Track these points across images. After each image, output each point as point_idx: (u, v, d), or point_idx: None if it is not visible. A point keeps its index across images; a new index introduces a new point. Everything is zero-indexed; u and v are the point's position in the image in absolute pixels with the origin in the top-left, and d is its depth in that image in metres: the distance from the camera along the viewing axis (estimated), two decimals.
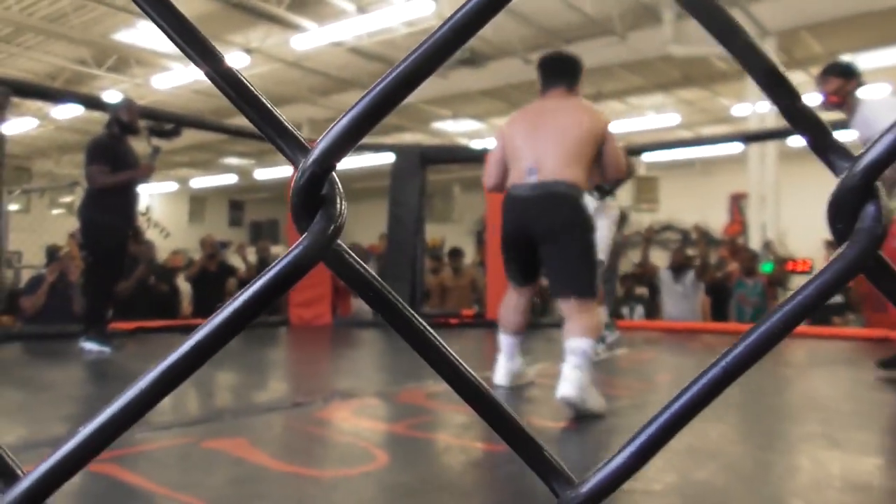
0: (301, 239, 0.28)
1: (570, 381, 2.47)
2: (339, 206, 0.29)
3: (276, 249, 10.91)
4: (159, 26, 0.29)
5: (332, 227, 0.28)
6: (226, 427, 2.37)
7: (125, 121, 4.46)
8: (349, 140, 0.29)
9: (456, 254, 8.62)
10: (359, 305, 7.97)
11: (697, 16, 0.30)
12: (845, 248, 0.28)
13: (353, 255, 0.29)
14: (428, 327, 0.31)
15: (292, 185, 0.29)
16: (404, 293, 6.63)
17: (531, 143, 2.79)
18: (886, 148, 0.27)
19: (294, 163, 0.29)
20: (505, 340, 3.07)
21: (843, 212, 0.28)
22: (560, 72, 2.92)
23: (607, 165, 2.83)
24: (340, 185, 0.30)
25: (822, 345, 5.26)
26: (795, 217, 8.61)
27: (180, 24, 0.29)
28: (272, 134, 0.29)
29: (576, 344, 2.56)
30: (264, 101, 0.30)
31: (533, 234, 2.75)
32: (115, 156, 4.38)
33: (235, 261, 7.82)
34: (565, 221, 2.67)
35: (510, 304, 3.05)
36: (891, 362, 3.55)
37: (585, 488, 0.31)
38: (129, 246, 4.74)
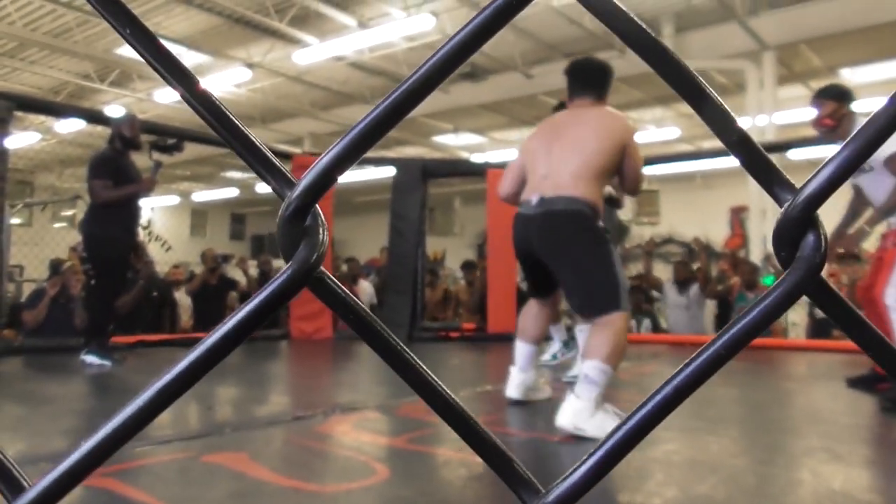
0: (286, 267, 0.30)
1: (567, 409, 2.39)
2: (321, 235, 0.31)
3: (277, 263, 10.93)
4: (148, 62, 0.32)
5: (314, 256, 0.30)
6: (226, 441, 2.35)
7: (127, 136, 4.48)
8: (330, 176, 0.31)
9: (469, 266, 8.61)
10: None
11: (637, 50, 0.32)
12: (787, 274, 0.30)
13: (334, 280, 0.31)
14: (405, 348, 0.33)
15: (279, 218, 0.31)
16: (406, 306, 6.63)
17: (546, 156, 2.71)
18: (825, 181, 0.30)
19: (280, 195, 0.31)
20: (520, 349, 2.96)
21: (786, 241, 0.30)
22: (585, 80, 2.82)
23: (626, 178, 2.72)
24: (323, 216, 0.32)
25: (823, 358, 5.23)
26: None
27: (166, 60, 0.32)
28: (259, 168, 0.31)
29: (585, 368, 2.44)
30: (252, 137, 0.32)
31: (538, 253, 2.69)
32: (118, 170, 4.40)
33: (236, 274, 7.82)
34: (567, 239, 2.59)
35: (530, 312, 2.97)
36: (859, 382, 3.55)
37: (551, 497, 0.32)
38: (130, 260, 4.76)
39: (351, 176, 13.49)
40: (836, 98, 3.49)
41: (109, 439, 0.32)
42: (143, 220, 4.80)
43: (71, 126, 11.46)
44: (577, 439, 2.37)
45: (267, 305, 0.31)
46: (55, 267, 6.43)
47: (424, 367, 0.33)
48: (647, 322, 7.34)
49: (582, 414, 2.36)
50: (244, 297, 7.44)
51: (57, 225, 11.31)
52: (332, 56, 10.19)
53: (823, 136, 3.66)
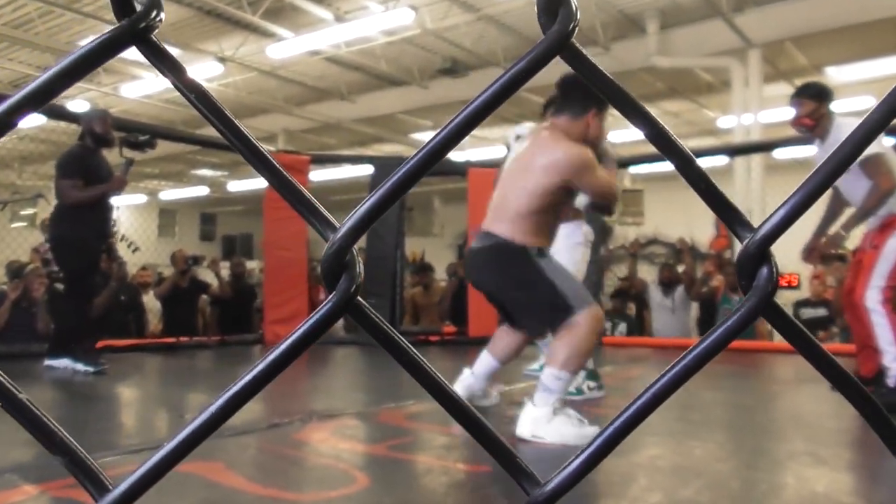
0: (331, 296, 0.35)
1: (525, 418, 2.43)
2: (358, 268, 0.35)
3: (251, 264, 10.61)
4: (202, 113, 0.36)
5: (353, 286, 0.35)
6: (200, 449, 2.11)
7: (99, 132, 4.23)
8: (367, 222, 0.36)
9: (425, 269, 8.34)
10: (336, 323, 7.70)
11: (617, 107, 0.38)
12: (745, 300, 0.36)
13: (368, 306, 0.35)
14: (428, 364, 0.37)
15: (323, 255, 0.35)
16: (385, 309, 6.41)
17: (499, 184, 2.77)
18: (778, 222, 0.36)
19: (324, 236, 0.35)
20: (483, 358, 2.93)
21: (745, 272, 0.36)
22: (561, 99, 2.72)
23: (592, 196, 2.70)
24: (356, 254, 0.35)
25: (806, 361, 5.16)
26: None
27: (237, 134, 0.36)
28: (305, 213, 0.36)
29: (542, 376, 2.48)
30: (293, 181, 0.36)
31: (478, 288, 2.81)
32: (88, 169, 4.18)
33: (208, 276, 7.50)
34: (492, 273, 2.67)
35: (504, 329, 2.92)
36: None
37: (549, 487, 0.38)
38: (101, 262, 4.53)
39: (326, 174, 13.20)
40: (814, 97, 3.49)
41: (189, 440, 0.37)
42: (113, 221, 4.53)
43: (32, 121, 11.03)
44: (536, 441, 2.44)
45: (315, 330, 0.35)
46: (16, 270, 6.10)
47: (444, 381, 0.38)
48: (622, 326, 7.15)
49: (539, 422, 2.41)
50: (216, 301, 7.15)
51: (16, 225, 10.86)
52: (308, 50, 9.90)
53: (802, 135, 3.66)
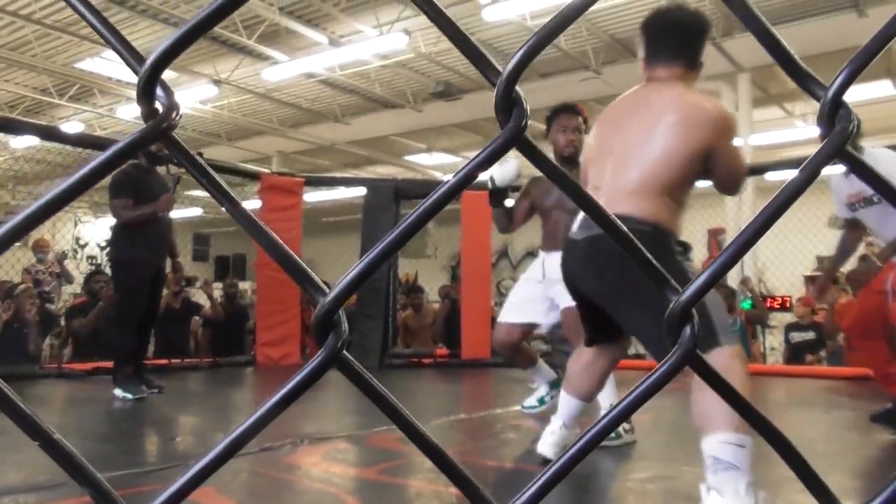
0: (320, 352, 0.38)
1: None
2: (343, 326, 0.38)
3: (244, 286, 10.58)
4: (203, 185, 0.39)
5: (340, 342, 0.38)
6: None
7: (151, 149, 4.14)
8: (352, 288, 0.39)
9: (416, 290, 8.34)
10: None
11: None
12: (671, 354, 0.39)
13: (356, 362, 0.38)
14: (414, 420, 0.40)
15: (314, 315, 0.38)
16: (378, 332, 6.40)
17: (601, 160, 2.07)
18: (699, 287, 0.39)
19: (315, 299, 0.38)
20: (564, 403, 2.39)
21: (672, 329, 0.40)
22: (665, 40, 2.07)
23: (718, 183, 2.07)
24: (345, 316, 0.39)
25: (799, 384, 5.20)
26: (773, 253, 8.58)
27: (214, 185, 0.39)
28: (297, 276, 0.39)
29: (709, 449, 1.70)
30: (286, 248, 0.39)
31: (584, 290, 2.09)
32: (140, 187, 4.16)
33: (201, 298, 7.49)
34: (619, 270, 1.87)
35: (582, 360, 2.33)
36: (882, 416, 3.40)
37: None
38: (161, 283, 4.46)
39: (319, 195, 13.22)
40: None
41: (174, 495, 0.37)
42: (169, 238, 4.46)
43: (26, 142, 11.03)
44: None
45: (305, 383, 0.38)
46: (7, 291, 6.08)
47: (427, 433, 0.39)
48: None
49: None
50: (208, 323, 7.13)
51: None
52: (303, 73, 9.97)
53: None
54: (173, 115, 0.37)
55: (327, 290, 0.38)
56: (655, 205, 1.91)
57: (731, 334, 1.84)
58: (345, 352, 0.38)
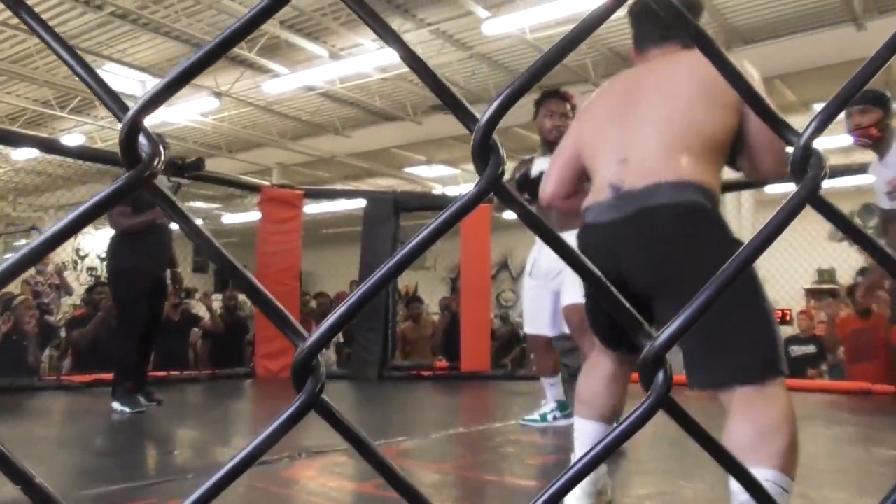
0: (298, 396, 0.39)
1: None
2: (321, 372, 0.39)
3: (243, 297, 10.55)
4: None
5: (318, 387, 0.39)
6: (188, 486, 2.24)
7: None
8: (331, 334, 0.40)
9: (413, 300, 8.34)
10: (327, 357, 7.66)
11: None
12: (645, 398, 0.40)
13: (334, 407, 0.39)
14: (394, 466, 0.42)
15: (294, 360, 0.39)
16: (377, 344, 6.39)
17: (620, 130, 1.72)
18: (673, 333, 0.41)
19: (295, 343, 0.39)
20: (585, 433, 1.82)
21: (646, 374, 0.40)
22: (656, 22, 1.82)
23: (757, 156, 1.62)
24: (323, 361, 0.40)
25: (800, 398, 5.14)
26: (774, 266, 8.58)
27: (209, 246, 0.42)
28: (277, 321, 0.40)
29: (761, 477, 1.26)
30: (269, 296, 0.40)
31: (631, 281, 1.59)
32: (139, 196, 4.06)
33: (200, 310, 7.48)
34: (682, 254, 1.53)
35: (599, 373, 1.82)
36: None
37: None
38: (163, 294, 4.40)
39: (319, 207, 13.23)
40: (881, 104, 3.14)
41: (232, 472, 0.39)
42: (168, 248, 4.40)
43: (26, 154, 11.06)
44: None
45: (284, 428, 0.39)
46: (6, 302, 6.08)
47: (412, 485, 0.42)
48: None
49: None
50: (208, 335, 7.12)
51: (8, 256, 10.84)
52: (303, 86, 10.01)
53: (862, 147, 3.23)
54: (155, 162, 0.38)
55: (306, 335, 0.39)
56: (704, 168, 1.57)
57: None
58: (323, 396, 0.39)
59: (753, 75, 1.53)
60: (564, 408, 3.42)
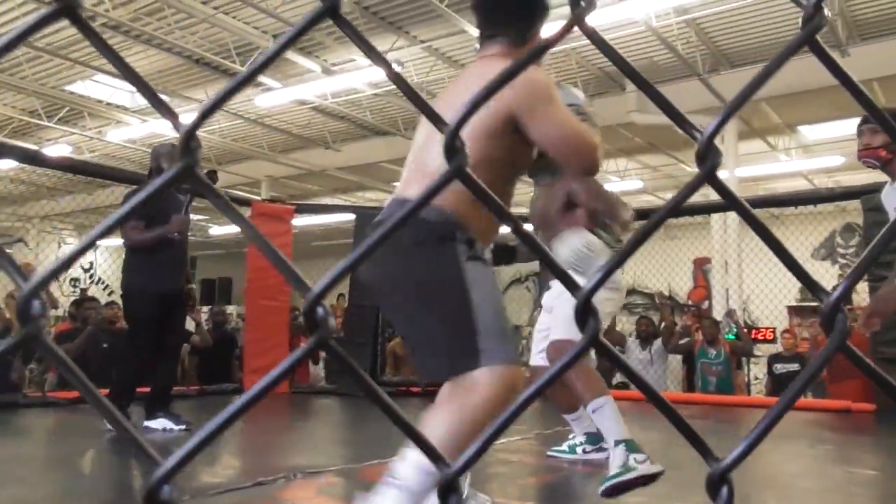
0: (310, 340, 0.45)
1: None
2: (331, 321, 0.44)
3: (229, 309, 10.52)
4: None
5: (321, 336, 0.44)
6: None
7: (167, 169, 4.00)
8: (332, 284, 0.45)
9: None
10: (317, 373, 7.64)
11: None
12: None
13: (338, 348, 0.46)
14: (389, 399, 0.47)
15: (301, 309, 0.44)
16: (366, 359, 6.38)
17: (415, 140, 1.79)
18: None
19: (303, 294, 0.44)
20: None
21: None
22: (490, 14, 1.78)
23: (555, 156, 1.70)
24: (326, 306, 0.44)
25: (785, 417, 5.20)
26: (758, 284, 8.67)
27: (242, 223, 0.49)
28: (288, 277, 0.46)
29: (399, 465, 1.61)
30: (280, 254, 0.46)
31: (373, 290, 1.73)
32: (154, 209, 3.90)
33: (189, 324, 7.43)
34: (393, 266, 1.60)
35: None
36: None
37: None
38: (176, 313, 4.18)
39: (309, 220, 13.24)
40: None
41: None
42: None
43: (9, 163, 10.98)
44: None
45: (296, 362, 0.48)
46: None
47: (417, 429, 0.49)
48: None
49: None
50: (196, 350, 7.05)
51: None
52: (295, 100, 10.03)
53: (870, 167, 3.19)
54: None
55: (310, 288, 0.45)
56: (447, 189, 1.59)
57: (509, 344, 1.62)
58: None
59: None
60: (595, 441, 3.14)
